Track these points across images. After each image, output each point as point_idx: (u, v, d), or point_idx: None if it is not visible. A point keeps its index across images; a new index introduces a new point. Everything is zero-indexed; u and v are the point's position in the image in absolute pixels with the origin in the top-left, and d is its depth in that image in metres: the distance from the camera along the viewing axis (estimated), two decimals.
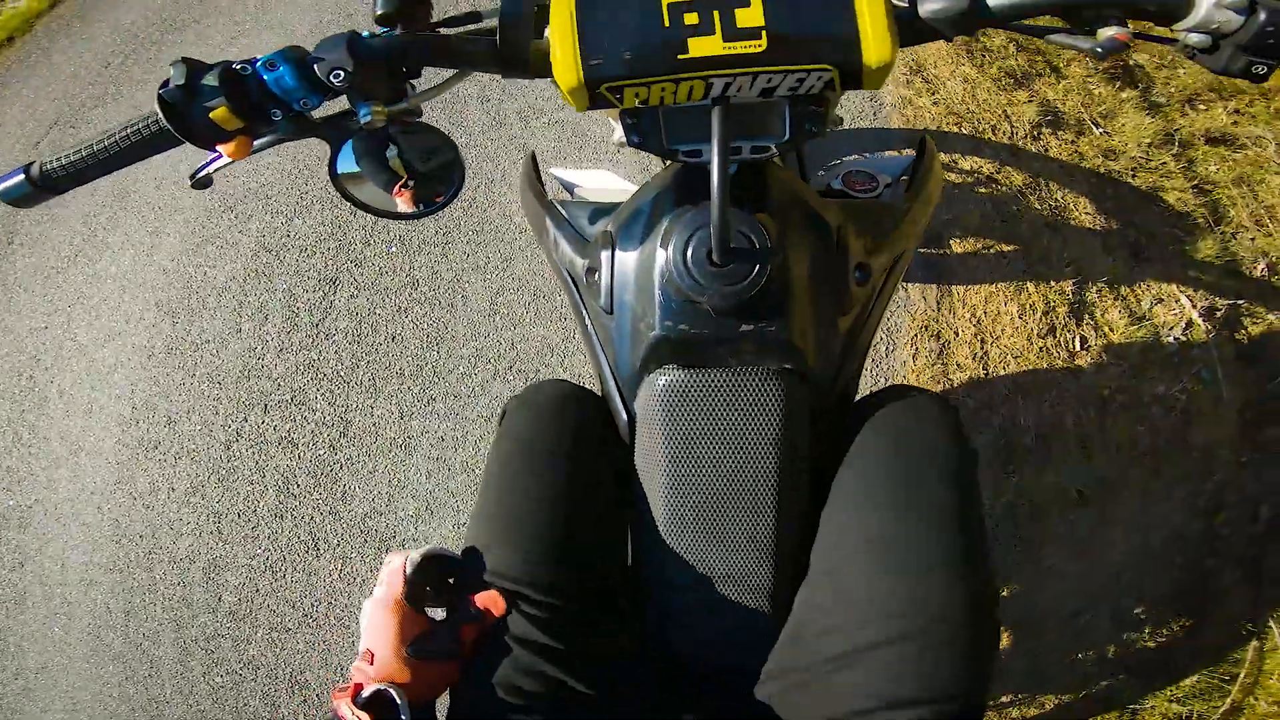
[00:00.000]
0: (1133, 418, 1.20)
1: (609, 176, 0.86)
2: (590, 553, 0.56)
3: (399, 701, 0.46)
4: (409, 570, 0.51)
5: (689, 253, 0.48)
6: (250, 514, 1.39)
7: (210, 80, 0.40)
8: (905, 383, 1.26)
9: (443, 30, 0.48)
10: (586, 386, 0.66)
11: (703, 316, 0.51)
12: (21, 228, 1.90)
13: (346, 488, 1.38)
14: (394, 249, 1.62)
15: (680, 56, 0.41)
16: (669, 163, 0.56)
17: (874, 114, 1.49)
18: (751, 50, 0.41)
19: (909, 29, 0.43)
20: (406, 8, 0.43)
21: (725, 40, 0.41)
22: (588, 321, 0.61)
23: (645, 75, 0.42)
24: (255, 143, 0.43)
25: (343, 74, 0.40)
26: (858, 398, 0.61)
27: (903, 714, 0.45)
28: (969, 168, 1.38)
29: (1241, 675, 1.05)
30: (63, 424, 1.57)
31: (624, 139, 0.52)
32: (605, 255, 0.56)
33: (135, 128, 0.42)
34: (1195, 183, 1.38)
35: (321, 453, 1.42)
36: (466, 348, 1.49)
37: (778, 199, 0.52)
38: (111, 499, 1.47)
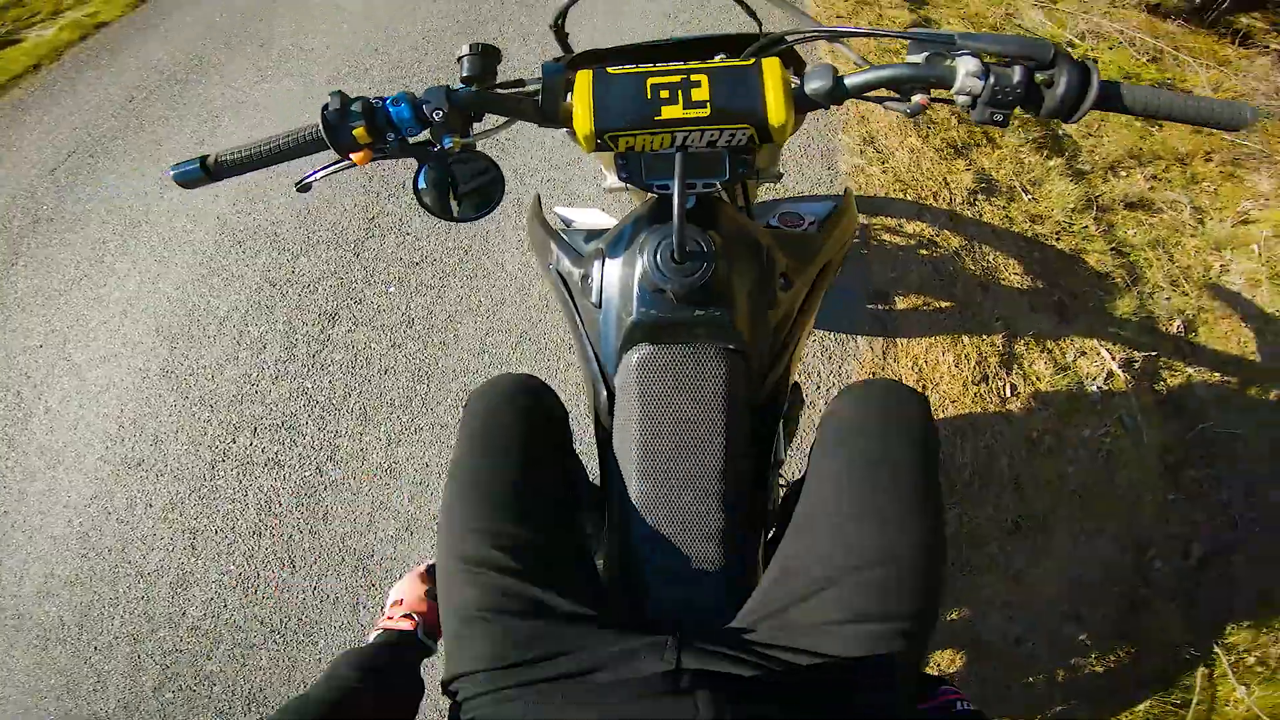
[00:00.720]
0: (1061, 459, 1.43)
1: (599, 214, 1.13)
2: (544, 510, 0.72)
3: (418, 619, 0.86)
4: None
5: (658, 255, 0.73)
6: (228, 530, 1.53)
7: (356, 108, 0.66)
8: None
9: (501, 90, 0.74)
10: (538, 377, 0.87)
11: (668, 304, 0.74)
12: (26, 249, 2.13)
13: (329, 508, 1.54)
14: (393, 289, 1.87)
15: (656, 118, 0.68)
16: (647, 197, 0.82)
17: (831, 180, 1.83)
18: (701, 115, 0.68)
19: (801, 101, 0.71)
20: (482, 74, 0.70)
21: (684, 108, 0.68)
22: (579, 318, 0.85)
23: (633, 129, 0.69)
24: (373, 155, 0.67)
25: (441, 113, 0.66)
26: (845, 385, 0.81)
27: (869, 626, 0.58)
28: (912, 231, 1.70)
29: (1194, 701, 1.20)
30: (44, 439, 1.72)
31: (615, 182, 0.79)
32: (597, 264, 0.81)
33: (297, 135, 0.67)
34: (1114, 245, 1.70)
35: (307, 474, 1.58)
36: (455, 382, 1.71)
37: (723, 221, 0.78)
38: (85, 513, 1.60)
